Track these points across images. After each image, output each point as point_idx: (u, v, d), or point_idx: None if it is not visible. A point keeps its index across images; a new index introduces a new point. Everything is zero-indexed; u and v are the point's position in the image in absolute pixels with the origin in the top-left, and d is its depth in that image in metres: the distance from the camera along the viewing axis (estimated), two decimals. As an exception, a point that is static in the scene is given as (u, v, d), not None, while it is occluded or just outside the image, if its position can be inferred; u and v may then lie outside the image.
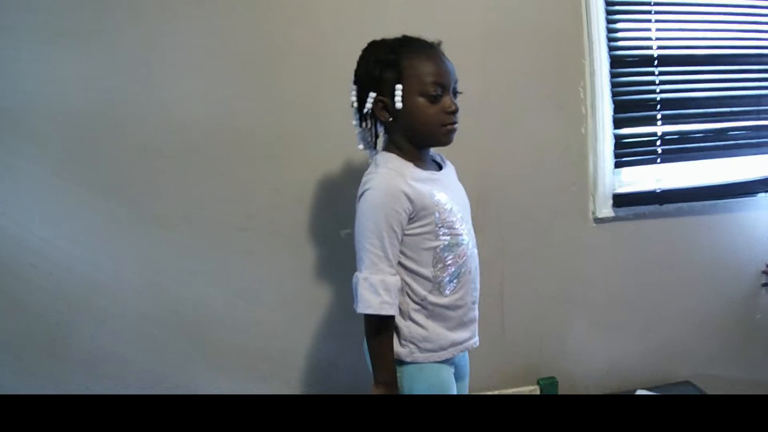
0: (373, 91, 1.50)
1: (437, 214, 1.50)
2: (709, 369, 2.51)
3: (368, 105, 1.51)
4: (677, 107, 2.40)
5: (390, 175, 1.48)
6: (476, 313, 1.64)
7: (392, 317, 1.51)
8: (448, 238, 1.53)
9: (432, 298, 1.54)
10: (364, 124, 1.57)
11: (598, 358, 2.42)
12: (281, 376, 2.14)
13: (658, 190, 2.38)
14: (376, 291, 1.46)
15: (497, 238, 2.21)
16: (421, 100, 1.48)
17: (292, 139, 2.03)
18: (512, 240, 2.24)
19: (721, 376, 2.51)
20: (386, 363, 1.52)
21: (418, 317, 1.55)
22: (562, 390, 2.35)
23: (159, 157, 1.95)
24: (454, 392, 1.63)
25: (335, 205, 2.06)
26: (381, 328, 1.50)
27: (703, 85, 2.43)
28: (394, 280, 1.49)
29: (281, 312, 2.11)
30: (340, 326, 2.14)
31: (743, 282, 2.53)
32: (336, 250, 2.09)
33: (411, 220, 1.49)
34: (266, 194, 2.03)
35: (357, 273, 1.50)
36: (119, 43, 1.89)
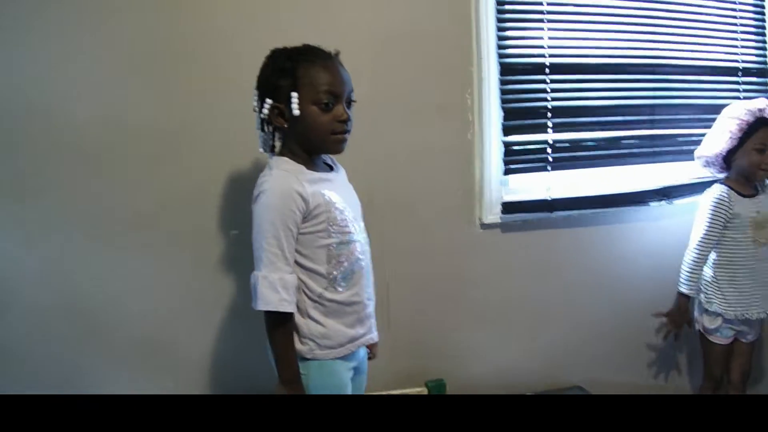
0: (270, 98, 1.57)
1: (329, 213, 1.57)
2: (600, 374, 2.50)
3: (264, 111, 1.58)
4: (568, 115, 2.41)
5: (284, 177, 1.55)
6: (372, 309, 1.71)
7: (291, 314, 1.56)
8: (340, 236, 1.59)
9: (328, 295, 1.60)
10: (265, 129, 1.64)
11: (486, 361, 2.40)
12: (176, 369, 2.12)
13: (548, 198, 2.37)
14: (274, 289, 1.51)
15: (383, 240, 2.20)
16: (314, 108, 1.55)
17: (188, 138, 2.03)
18: (398, 242, 2.23)
19: (612, 381, 2.50)
20: (288, 360, 1.57)
21: (316, 314, 1.60)
22: (451, 392, 2.33)
23: (55, 153, 1.94)
24: (350, 390, 1.68)
25: (230, 205, 2.06)
26: (280, 325, 1.55)
27: (596, 93, 2.45)
28: (292, 278, 1.54)
29: (174, 307, 2.09)
30: (232, 323, 2.13)
31: (633, 289, 2.53)
32: (228, 249, 2.09)
33: (305, 219, 1.55)
34: (161, 192, 2.03)
35: (255, 272, 1.55)
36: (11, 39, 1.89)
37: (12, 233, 1.94)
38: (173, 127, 2.01)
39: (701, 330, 2.43)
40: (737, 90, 2.62)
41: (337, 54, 1.62)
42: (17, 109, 1.90)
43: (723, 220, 2.30)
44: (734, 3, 2.62)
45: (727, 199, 2.30)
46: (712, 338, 2.41)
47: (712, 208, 2.31)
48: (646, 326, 2.55)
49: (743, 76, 2.62)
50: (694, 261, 2.33)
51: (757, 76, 2.66)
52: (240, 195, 1.99)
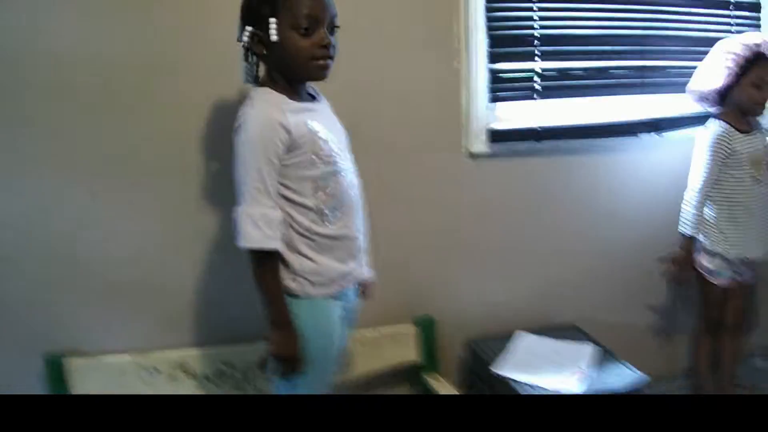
0: (250, 25, 1.52)
1: (314, 143, 1.53)
2: (594, 313, 2.47)
3: (244, 38, 1.54)
4: (557, 43, 2.36)
5: (265, 108, 1.51)
6: (362, 243, 1.68)
7: (276, 252, 1.52)
8: (325, 166, 1.55)
9: (317, 228, 1.56)
10: (249, 59, 1.59)
11: (476, 297, 2.36)
12: (160, 312, 2.09)
13: (536, 127, 2.32)
14: (256, 225, 1.48)
15: (368, 172, 2.15)
16: (294, 33, 1.50)
17: (168, 71, 1.97)
18: (383, 174, 2.17)
19: (607, 320, 2.46)
20: (276, 300, 1.54)
21: (307, 250, 1.57)
22: (440, 330, 2.28)
23: (30, 92, 1.89)
24: (338, 330, 1.66)
25: (213, 139, 2.01)
26: (266, 263, 1.52)
27: (585, 22, 2.39)
28: (275, 214, 1.50)
29: (158, 246, 2.06)
30: (217, 263, 2.09)
31: (626, 223, 2.50)
32: (211, 185, 2.04)
33: (288, 150, 1.50)
34: (142, 128, 1.98)
35: (237, 207, 1.51)
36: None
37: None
38: (153, 61, 1.95)
39: (700, 270, 2.39)
40: (729, 24, 2.56)
41: None
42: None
43: (722, 157, 2.26)
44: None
45: (726, 136, 2.26)
46: (711, 279, 2.37)
47: (712, 144, 2.26)
48: (640, 262, 2.51)
49: (735, 9, 2.57)
50: (697, 200, 2.29)
51: (749, 11, 2.60)
52: (224, 129, 1.94)
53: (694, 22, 2.53)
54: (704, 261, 2.36)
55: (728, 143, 2.25)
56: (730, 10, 2.57)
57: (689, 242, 2.33)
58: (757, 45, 2.22)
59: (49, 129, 1.91)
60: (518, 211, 2.37)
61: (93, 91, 1.92)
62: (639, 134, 2.43)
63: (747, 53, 2.22)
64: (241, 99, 1.63)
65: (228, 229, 1.93)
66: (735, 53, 2.23)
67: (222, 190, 1.96)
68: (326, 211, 1.57)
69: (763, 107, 2.27)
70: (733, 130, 2.27)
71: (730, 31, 2.53)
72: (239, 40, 1.56)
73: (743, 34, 2.32)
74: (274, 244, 1.50)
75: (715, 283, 2.37)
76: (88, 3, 1.89)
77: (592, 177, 2.43)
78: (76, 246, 1.99)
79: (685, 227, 2.32)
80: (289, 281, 1.56)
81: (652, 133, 2.44)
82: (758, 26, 2.62)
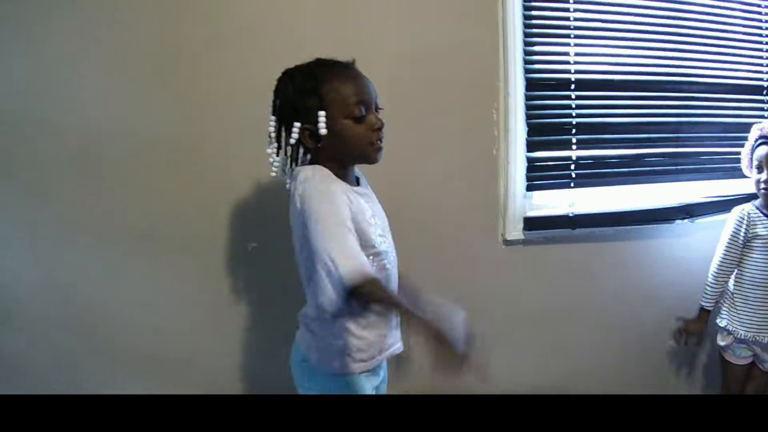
0: (298, 121, 1.50)
1: (360, 224, 1.50)
2: (625, 392, 2.46)
3: (294, 135, 1.51)
4: (593, 132, 2.40)
5: (327, 175, 1.49)
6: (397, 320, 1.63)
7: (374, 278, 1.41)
8: (369, 248, 1.52)
9: None
10: (281, 153, 1.57)
11: (511, 379, 2.34)
12: (182, 386, 2.12)
13: (570, 215, 2.36)
14: (352, 266, 1.36)
15: (406, 256, 2.18)
16: (348, 122, 1.51)
17: (198, 146, 2.00)
18: (421, 258, 2.17)
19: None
20: (400, 307, 1.40)
21: (352, 327, 1.56)
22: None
23: (59, 162, 1.93)
24: None
25: (242, 216, 2.05)
26: (369, 286, 1.37)
27: (620, 110, 2.44)
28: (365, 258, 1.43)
29: (180, 320, 2.08)
30: (244, 337, 2.12)
31: (657, 307, 2.52)
32: (239, 262, 2.08)
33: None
34: (169, 202, 2.01)
35: (324, 259, 1.37)
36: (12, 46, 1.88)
37: (15, 242, 1.93)
38: (182, 135, 1.97)
39: (719, 348, 2.44)
40: (762, 108, 2.61)
41: (353, 62, 1.58)
42: (20, 117, 1.88)
43: (742, 238, 2.32)
44: (760, 21, 2.60)
45: (747, 218, 2.31)
46: (726, 356, 2.42)
47: (733, 225, 2.34)
48: (670, 345, 2.55)
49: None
50: (714, 276, 2.37)
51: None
52: (256, 206, 2.00)
53: (727, 108, 2.57)
54: (717, 337, 2.42)
55: (748, 225, 2.31)
56: (764, 95, 2.61)
57: (704, 314, 2.40)
58: (762, 128, 2.29)
59: (75, 200, 1.94)
60: (551, 294, 2.41)
61: (124, 163, 1.95)
62: (673, 221, 2.46)
63: (754, 135, 2.32)
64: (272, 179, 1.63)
65: (251, 304, 1.94)
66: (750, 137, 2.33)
67: (244, 266, 2.02)
68: None
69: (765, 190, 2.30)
70: (758, 212, 2.32)
71: (763, 116, 2.57)
72: (277, 136, 1.54)
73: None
74: (370, 269, 1.42)
75: (732, 362, 2.40)
76: (122, 76, 1.92)
77: (624, 262, 2.47)
78: (98, 315, 2.01)
79: (702, 299, 2.39)
80: (333, 361, 1.57)
81: (686, 219, 2.47)
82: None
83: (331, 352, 1.57)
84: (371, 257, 1.53)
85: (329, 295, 1.38)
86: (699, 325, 2.41)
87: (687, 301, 2.48)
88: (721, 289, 2.38)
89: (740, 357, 2.39)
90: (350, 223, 1.44)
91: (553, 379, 2.44)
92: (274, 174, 1.58)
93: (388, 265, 1.61)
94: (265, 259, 2.05)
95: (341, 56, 1.57)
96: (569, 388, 2.44)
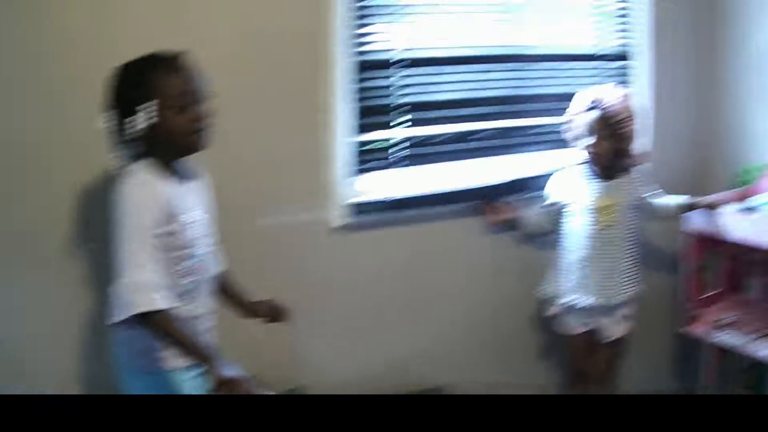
0: (128, 115, 1.58)
1: (176, 224, 1.59)
2: (463, 376, 2.50)
3: (127, 129, 1.58)
4: (419, 110, 2.37)
5: (142, 181, 1.57)
6: (209, 323, 1.76)
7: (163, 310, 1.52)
8: (183, 249, 1.62)
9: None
10: (118, 143, 1.63)
11: (347, 366, 2.40)
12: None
13: (400, 197, 2.34)
14: (140, 290, 1.49)
15: (233, 247, 2.14)
16: (170, 113, 1.58)
17: (35, 149, 1.92)
18: (249, 249, 2.16)
19: (477, 382, 2.46)
20: (188, 345, 1.55)
21: None
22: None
23: None
24: None
25: (86, 218, 1.98)
26: (161, 320, 1.52)
27: (450, 87, 2.42)
28: (157, 277, 1.53)
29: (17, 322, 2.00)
30: (81, 336, 2.06)
31: (491, 286, 2.56)
32: (88, 264, 2.01)
33: (159, 224, 1.55)
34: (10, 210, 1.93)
35: (120, 278, 1.52)
36: None
37: None
38: (16, 138, 1.89)
39: (558, 321, 2.51)
40: (594, 75, 2.63)
41: (184, 54, 1.64)
42: None
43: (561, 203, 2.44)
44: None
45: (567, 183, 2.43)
46: (566, 329, 2.48)
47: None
48: (507, 324, 2.60)
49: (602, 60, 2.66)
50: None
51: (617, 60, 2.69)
52: (97, 206, 1.91)
53: (560, 77, 2.59)
54: (557, 310, 2.47)
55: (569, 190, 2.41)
56: (595, 61, 2.65)
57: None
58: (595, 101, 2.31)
59: None
60: (383, 279, 2.40)
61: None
62: (503, 196, 2.47)
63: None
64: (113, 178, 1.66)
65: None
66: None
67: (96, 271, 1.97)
68: (180, 290, 1.62)
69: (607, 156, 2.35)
70: (581, 177, 2.41)
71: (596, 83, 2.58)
72: (112, 127, 1.61)
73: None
74: (162, 303, 1.51)
75: (569, 332, 2.47)
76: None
77: (456, 241, 2.48)
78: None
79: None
80: (144, 358, 1.63)
81: (519, 194, 2.49)
82: (625, 75, 2.70)
83: (141, 350, 1.63)
84: (182, 262, 1.62)
85: (117, 313, 1.55)
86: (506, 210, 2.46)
87: (531, 275, 2.54)
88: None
89: (574, 326, 2.45)
90: (152, 238, 1.53)
91: (388, 362, 2.45)
92: (112, 165, 1.67)
93: (202, 268, 1.69)
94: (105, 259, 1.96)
95: (174, 45, 1.64)
96: (411, 373, 2.46)
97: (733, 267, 2.80)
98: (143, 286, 1.49)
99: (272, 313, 1.95)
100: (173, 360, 1.62)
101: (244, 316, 1.94)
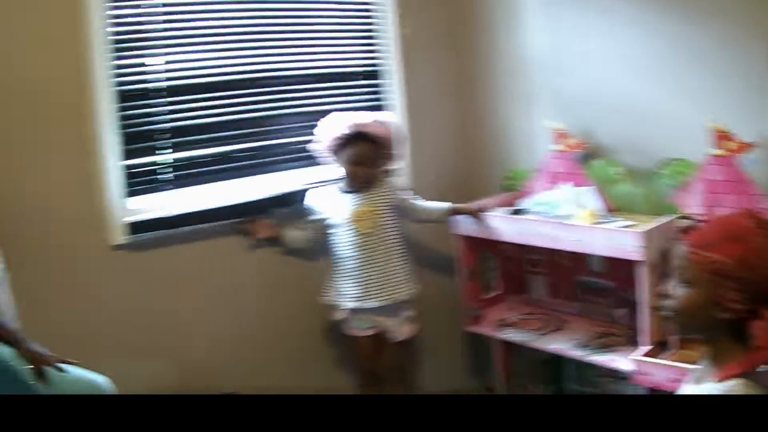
0: None
1: None
2: (253, 380, 2.59)
3: None
4: (181, 135, 2.56)
5: None
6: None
7: None
8: None
9: None
10: None
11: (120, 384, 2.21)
12: None
13: (170, 215, 2.50)
14: None
15: (22, 278, 2.07)
16: None
17: None
18: (31, 276, 2.20)
19: (268, 386, 2.55)
20: None
21: None
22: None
23: None
24: None
25: None
26: None
27: (211, 111, 2.62)
28: None
29: None
30: None
31: (271, 294, 2.76)
32: None
33: None
34: None
35: None
36: None
37: None
38: None
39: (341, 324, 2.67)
40: (346, 95, 2.94)
41: None
42: None
43: (325, 220, 2.65)
44: (341, 11, 2.90)
45: (327, 199, 2.67)
46: (351, 330, 2.64)
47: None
48: (292, 328, 2.78)
49: (353, 80, 2.96)
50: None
51: (367, 79, 2.99)
52: None
53: (313, 98, 2.86)
54: (342, 315, 2.64)
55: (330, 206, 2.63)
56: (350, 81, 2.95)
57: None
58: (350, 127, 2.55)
59: None
60: (164, 294, 2.54)
61: None
62: (269, 210, 2.70)
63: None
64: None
65: None
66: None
67: None
68: None
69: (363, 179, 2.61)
70: (339, 193, 2.64)
71: (347, 101, 2.91)
72: None
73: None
74: None
75: (353, 335, 2.64)
76: None
77: (232, 255, 2.68)
78: None
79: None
80: None
81: (284, 208, 2.72)
82: (377, 93, 3.01)
83: None
84: None
85: None
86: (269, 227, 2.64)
87: (312, 282, 2.72)
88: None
89: (360, 329, 2.62)
90: None
91: (172, 380, 2.51)
92: None
93: None
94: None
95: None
96: (203, 381, 2.54)
97: (510, 268, 2.99)
98: None
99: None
100: None
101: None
